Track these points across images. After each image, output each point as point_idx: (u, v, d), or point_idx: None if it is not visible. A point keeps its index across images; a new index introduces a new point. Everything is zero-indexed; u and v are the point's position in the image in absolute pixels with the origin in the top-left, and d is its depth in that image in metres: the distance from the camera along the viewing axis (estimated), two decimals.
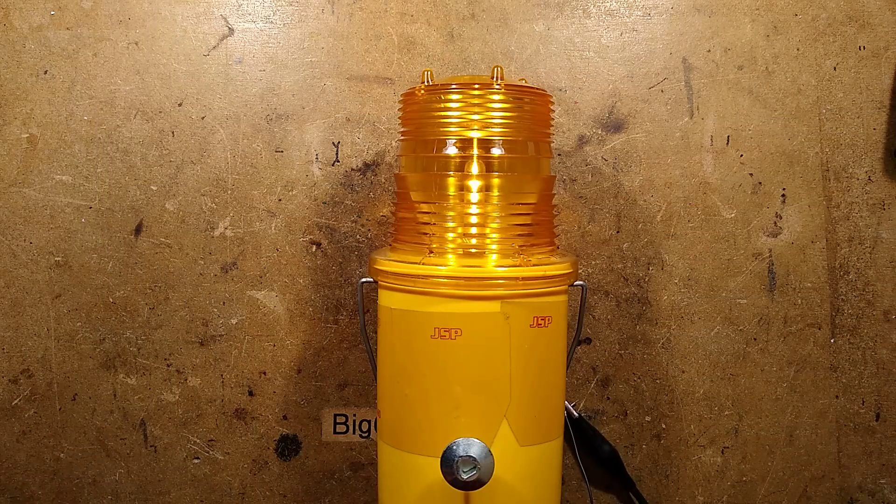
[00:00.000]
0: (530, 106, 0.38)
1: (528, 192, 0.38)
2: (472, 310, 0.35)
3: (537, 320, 0.36)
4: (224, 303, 0.47)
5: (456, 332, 0.34)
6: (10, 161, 0.46)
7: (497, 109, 0.37)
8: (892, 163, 0.47)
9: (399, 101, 0.40)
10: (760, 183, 0.47)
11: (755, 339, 0.47)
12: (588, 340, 0.47)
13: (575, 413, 0.46)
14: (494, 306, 0.35)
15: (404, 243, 0.38)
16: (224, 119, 0.46)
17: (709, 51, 0.47)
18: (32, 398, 0.46)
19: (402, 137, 0.40)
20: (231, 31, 0.47)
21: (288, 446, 0.47)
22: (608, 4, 0.47)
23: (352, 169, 0.47)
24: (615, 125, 0.47)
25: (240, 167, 0.47)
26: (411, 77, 0.47)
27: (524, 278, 0.35)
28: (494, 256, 0.36)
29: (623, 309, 0.47)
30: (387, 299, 0.37)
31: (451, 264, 0.36)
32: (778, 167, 0.47)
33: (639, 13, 0.47)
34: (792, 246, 0.47)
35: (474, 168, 0.37)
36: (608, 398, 0.47)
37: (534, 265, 0.36)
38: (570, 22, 0.47)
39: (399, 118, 0.41)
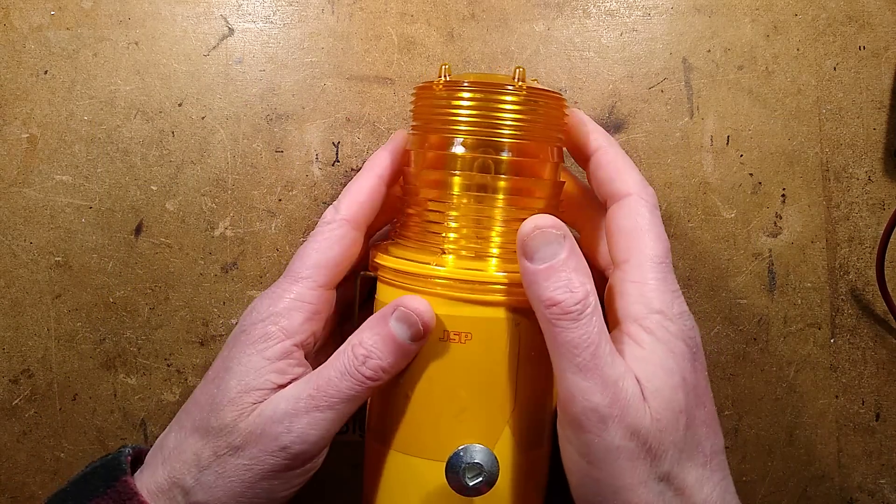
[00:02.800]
0: (547, 109, 0.37)
1: (542, 196, 0.37)
2: (483, 314, 0.34)
3: None
4: (224, 303, 0.47)
5: (466, 336, 0.34)
6: (10, 161, 0.46)
7: (516, 111, 0.36)
8: (892, 163, 0.47)
9: (412, 94, 0.39)
10: (760, 183, 0.47)
11: (755, 339, 0.47)
12: None
13: None
14: (506, 311, 0.34)
15: (409, 239, 0.37)
16: (224, 119, 0.47)
17: (709, 51, 0.47)
18: (33, 398, 0.46)
19: (413, 132, 0.39)
20: (231, 31, 0.47)
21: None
22: (608, 4, 0.47)
23: (352, 169, 0.47)
24: (615, 125, 0.47)
25: (240, 167, 0.47)
26: (411, 77, 0.47)
27: None
28: (506, 258, 0.36)
29: None
30: (391, 297, 0.36)
31: (466, 268, 0.34)
32: (778, 167, 0.47)
33: (639, 13, 0.47)
34: (792, 246, 0.47)
35: (489, 169, 0.36)
36: None
37: None
38: (570, 22, 0.47)
39: (411, 111, 0.39)
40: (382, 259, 0.36)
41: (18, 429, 0.47)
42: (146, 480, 0.34)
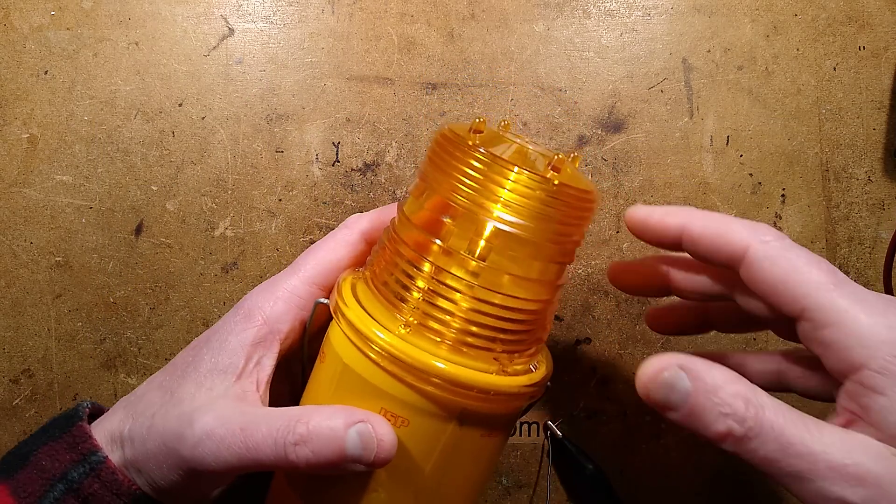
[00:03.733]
0: (571, 210, 0.31)
1: (533, 299, 0.32)
2: (428, 407, 0.30)
3: (490, 432, 0.32)
4: (224, 303, 0.47)
5: (403, 422, 0.30)
6: (10, 161, 0.46)
7: (536, 199, 0.30)
8: (892, 163, 0.47)
9: (441, 138, 0.33)
10: (760, 183, 0.47)
11: (755, 339, 0.47)
12: (588, 340, 0.47)
13: (559, 433, 0.46)
14: (454, 409, 0.30)
15: (383, 285, 0.32)
16: (224, 119, 0.47)
17: (709, 51, 0.47)
18: (33, 398, 0.47)
19: (419, 180, 0.33)
20: (231, 31, 0.47)
21: None
22: (608, 4, 0.47)
23: (352, 169, 0.47)
24: (615, 125, 0.47)
25: (240, 167, 0.47)
26: (411, 77, 0.47)
27: (496, 393, 0.31)
28: (472, 353, 0.31)
29: (623, 309, 0.47)
30: (341, 346, 0.32)
31: (426, 352, 0.30)
32: (778, 167, 0.47)
33: (639, 13, 0.47)
34: None
35: (482, 254, 0.31)
36: (608, 398, 0.47)
37: (510, 375, 0.31)
38: (570, 22, 0.47)
39: (428, 156, 0.33)
40: (346, 302, 0.32)
41: (19, 428, 0.47)
42: (104, 425, 0.34)
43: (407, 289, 0.31)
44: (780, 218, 0.47)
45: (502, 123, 0.34)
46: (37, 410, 0.47)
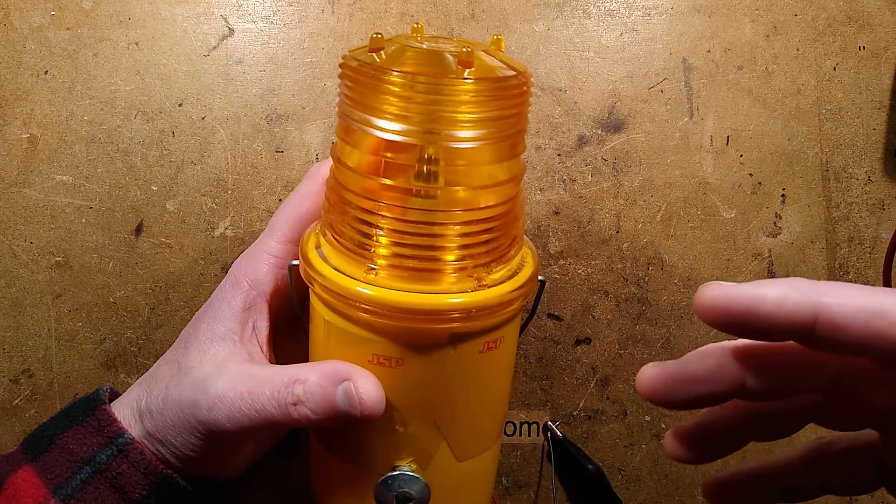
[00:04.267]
0: (505, 99, 0.29)
1: (490, 205, 0.30)
2: (415, 341, 0.30)
3: (487, 345, 0.31)
4: None
5: (397, 362, 0.30)
6: (10, 161, 0.46)
7: (462, 102, 0.28)
8: (892, 163, 0.47)
9: (345, 69, 0.31)
10: (760, 183, 0.47)
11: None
12: (588, 340, 0.47)
13: (559, 433, 0.46)
14: (441, 337, 0.30)
15: (343, 237, 0.31)
16: (224, 119, 0.47)
17: (709, 51, 0.47)
18: (33, 398, 0.47)
19: (340, 119, 0.31)
20: (231, 31, 0.47)
21: (289, 444, 0.47)
22: (608, 4, 0.47)
23: None
24: (615, 125, 0.47)
25: (240, 167, 0.47)
26: None
27: (478, 310, 0.29)
28: (446, 277, 0.30)
29: (623, 309, 0.47)
30: (319, 306, 0.32)
31: (395, 290, 0.29)
32: (778, 167, 0.47)
33: (639, 13, 0.47)
34: (791, 246, 0.47)
35: (426, 173, 0.29)
36: (608, 398, 0.47)
37: (490, 287, 0.30)
38: (570, 22, 0.47)
39: (340, 92, 0.31)
40: (311, 263, 0.31)
41: (19, 428, 0.47)
42: (123, 402, 0.35)
43: (364, 234, 0.30)
44: (780, 218, 0.47)
45: (414, 26, 0.32)
46: (37, 410, 0.47)
